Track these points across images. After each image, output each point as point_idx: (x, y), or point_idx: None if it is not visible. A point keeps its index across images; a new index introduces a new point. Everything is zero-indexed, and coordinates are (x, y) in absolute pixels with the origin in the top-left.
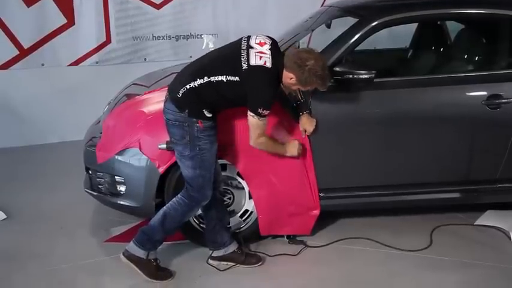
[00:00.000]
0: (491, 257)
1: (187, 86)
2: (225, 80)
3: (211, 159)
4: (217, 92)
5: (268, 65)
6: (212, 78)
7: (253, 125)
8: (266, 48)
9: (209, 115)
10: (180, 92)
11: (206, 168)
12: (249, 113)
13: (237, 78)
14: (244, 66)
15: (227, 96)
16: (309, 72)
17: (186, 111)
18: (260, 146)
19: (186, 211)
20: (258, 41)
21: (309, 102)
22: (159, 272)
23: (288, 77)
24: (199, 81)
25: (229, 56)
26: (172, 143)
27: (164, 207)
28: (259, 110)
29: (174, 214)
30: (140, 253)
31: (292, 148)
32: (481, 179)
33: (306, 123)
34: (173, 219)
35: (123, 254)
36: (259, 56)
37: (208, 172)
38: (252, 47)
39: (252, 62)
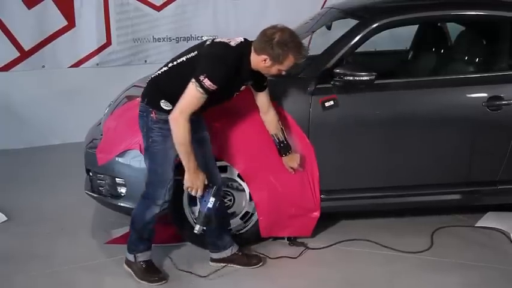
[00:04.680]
0: (492, 258)
1: (152, 76)
2: (185, 59)
3: (163, 154)
4: (177, 75)
5: (232, 44)
6: (175, 62)
7: (187, 94)
8: (232, 37)
9: (167, 108)
10: (146, 82)
11: (157, 162)
12: (192, 80)
13: (196, 53)
14: (208, 43)
15: (185, 78)
16: (278, 45)
17: (146, 100)
18: (175, 123)
19: (143, 209)
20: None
21: (290, 145)
22: (147, 274)
23: (262, 60)
24: (162, 69)
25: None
26: None
27: None
28: (201, 77)
29: (135, 213)
30: (129, 256)
31: (194, 176)
32: (482, 180)
33: (290, 162)
34: (137, 219)
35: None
36: (226, 38)
37: (160, 167)
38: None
39: (217, 40)
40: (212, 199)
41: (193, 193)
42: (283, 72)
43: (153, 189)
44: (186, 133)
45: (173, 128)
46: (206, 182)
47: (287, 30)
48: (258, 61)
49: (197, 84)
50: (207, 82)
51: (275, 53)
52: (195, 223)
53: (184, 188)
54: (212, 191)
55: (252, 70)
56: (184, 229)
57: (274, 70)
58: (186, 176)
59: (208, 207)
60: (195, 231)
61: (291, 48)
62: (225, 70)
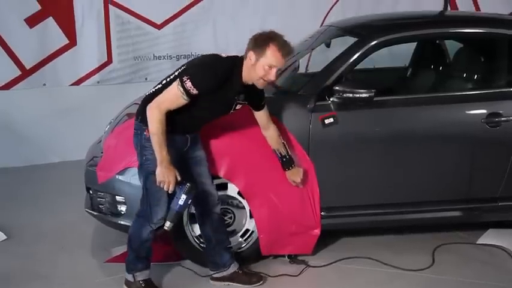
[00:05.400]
0: (494, 276)
1: (146, 93)
2: (176, 74)
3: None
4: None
5: (223, 55)
6: (168, 79)
7: (168, 89)
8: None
9: None
10: (141, 100)
11: (151, 181)
12: (177, 79)
13: (186, 65)
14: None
15: None
16: (260, 37)
17: (139, 117)
18: (149, 114)
19: (138, 228)
20: None
21: (293, 159)
22: None
23: (248, 60)
24: (156, 87)
25: None
26: None
27: None
28: (184, 78)
29: (131, 232)
30: (128, 276)
31: (166, 170)
32: (482, 197)
33: (293, 176)
34: (134, 238)
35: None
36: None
37: (154, 185)
38: None
39: (209, 53)
40: (184, 196)
41: (165, 188)
42: (272, 76)
43: (148, 207)
44: (158, 124)
45: (148, 118)
46: (179, 179)
47: (271, 30)
48: (247, 65)
49: (179, 83)
50: (188, 83)
51: (257, 45)
52: (165, 219)
53: (157, 182)
54: (184, 188)
55: (245, 85)
56: (185, 247)
57: (260, 68)
58: (158, 170)
59: (180, 205)
60: (165, 228)
61: (272, 37)
62: (211, 77)
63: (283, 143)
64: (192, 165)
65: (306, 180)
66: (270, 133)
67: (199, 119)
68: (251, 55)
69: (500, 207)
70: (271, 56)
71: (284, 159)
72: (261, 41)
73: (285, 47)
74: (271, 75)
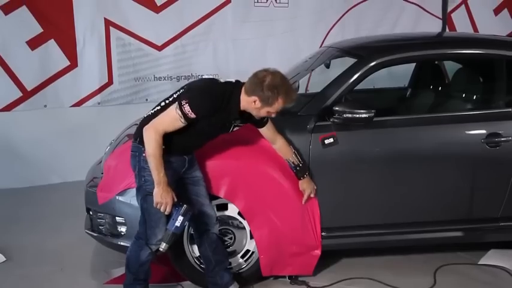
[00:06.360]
0: None
1: (145, 115)
2: (175, 96)
3: None
4: None
5: (221, 80)
6: (167, 101)
7: (166, 112)
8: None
9: None
10: (139, 122)
11: (149, 201)
12: (176, 102)
13: (185, 88)
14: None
15: None
16: (268, 87)
17: (138, 139)
18: (146, 135)
19: (136, 250)
20: None
21: (307, 167)
22: None
23: (252, 101)
24: (155, 109)
25: None
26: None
27: None
28: (183, 101)
29: (129, 255)
30: None
31: (164, 192)
32: (483, 217)
33: (305, 186)
34: (132, 260)
35: None
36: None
37: (152, 206)
38: None
39: (207, 76)
40: (180, 218)
41: (161, 209)
42: (273, 115)
43: (146, 229)
44: (155, 146)
45: (144, 139)
46: (176, 200)
47: (278, 74)
48: (249, 102)
49: (177, 106)
50: (186, 107)
51: (265, 95)
52: (161, 241)
53: (154, 204)
54: (181, 209)
55: (242, 112)
56: (185, 268)
57: (263, 112)
58: (155, 191)
59: (176, 226)
60: (161, 249)
61: (281, 92)
62: (209, 102)
63: (294, 152)
64: (189, 186)
65: (307, 201)
66: (279, 145)
67: (197, 141)
68: (256, 100)
69: (501, 227)
70: (277, 107)
71: (298, 168)
72: (269, 92)
73: (291, 99)
74: (273, 115)
